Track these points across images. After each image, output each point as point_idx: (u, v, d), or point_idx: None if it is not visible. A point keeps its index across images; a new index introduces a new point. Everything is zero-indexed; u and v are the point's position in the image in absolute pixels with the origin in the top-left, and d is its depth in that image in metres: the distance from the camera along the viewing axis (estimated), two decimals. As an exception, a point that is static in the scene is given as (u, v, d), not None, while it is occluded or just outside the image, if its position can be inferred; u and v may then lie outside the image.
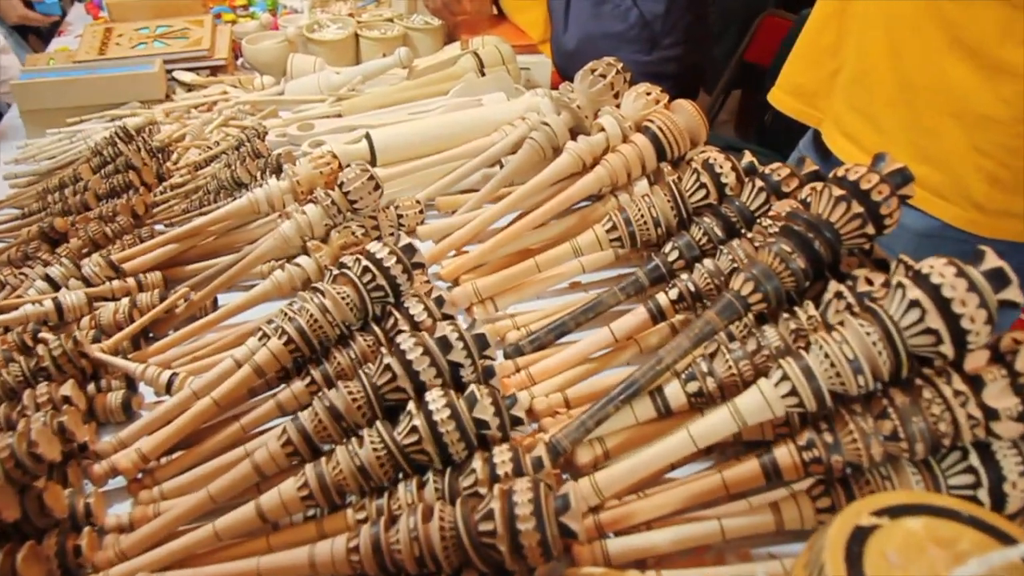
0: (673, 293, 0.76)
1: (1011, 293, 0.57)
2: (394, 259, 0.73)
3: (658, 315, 0.76)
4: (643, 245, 0.87)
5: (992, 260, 0.57)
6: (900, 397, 0.57)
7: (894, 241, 0.94)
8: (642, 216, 0.85)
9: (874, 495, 0.49)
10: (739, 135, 2.75)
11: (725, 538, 0.59)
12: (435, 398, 0.60)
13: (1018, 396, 0.55)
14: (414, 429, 0.59)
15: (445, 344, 0.64)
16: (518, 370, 0.78)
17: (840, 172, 0.69)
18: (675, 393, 0.65)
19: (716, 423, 0.60)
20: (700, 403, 0.66)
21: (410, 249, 0.75)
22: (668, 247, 0.81)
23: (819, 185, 0.70)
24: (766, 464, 0.60)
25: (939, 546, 0.46)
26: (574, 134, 1.01)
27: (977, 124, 0.86)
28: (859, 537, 0.46)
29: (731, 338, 0.69)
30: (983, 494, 0.57)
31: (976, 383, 0.56)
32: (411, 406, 0.61)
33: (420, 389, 0.63)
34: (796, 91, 1.07)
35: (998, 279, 0.56)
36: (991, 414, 0.55)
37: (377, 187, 0.90)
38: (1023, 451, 0.57)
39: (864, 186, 0.67)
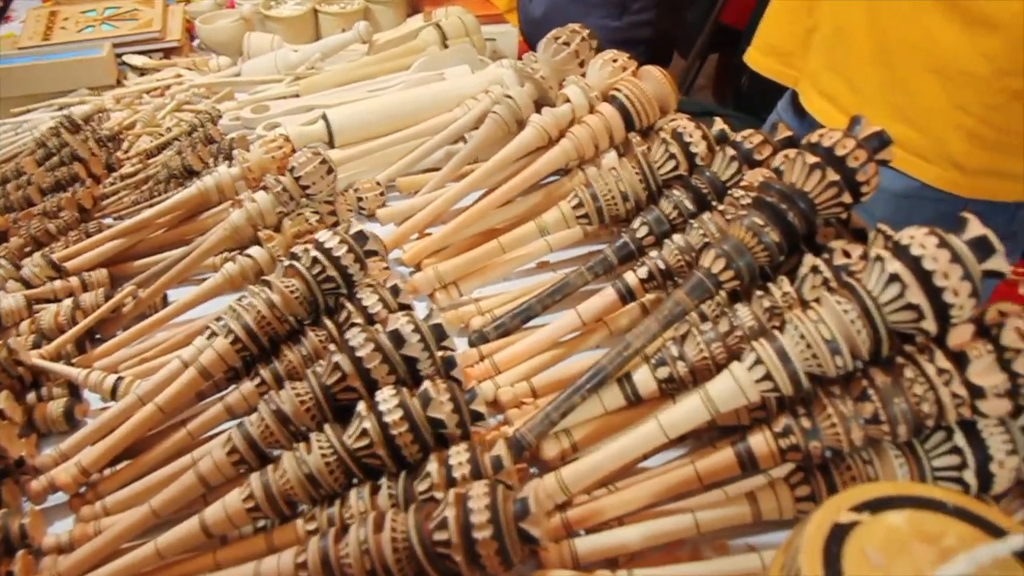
0: (642, 271, 0.72)
1: (996, 263, 0.53)
2: (345, 248, 0.69)
3: (627, 295, 0.72)
4: (612, 221, 0.83)
5: (976, 228, 0.53)
6: (881, 377, 0.54)
7: (872, 204, 0.90)
8: (609, 191, 0.81)
9: (854, 488, 0.45)
10: (717, 100, 2.70)
11: (700, 531, 0.56)
12: (386, 398, 0.56)
13: (1005, 372, 0.52)
14: (364, 432, 0.55)
15: (398, 338, 0.60)
16: (482, 359, 0.74)
17: (814, 138, 0.65)
18: (644, 380, 0.62)
19: (687, 411, 0.56)
20: (671, 389, 0.62)
21: (362, 236, 0.71)
22: (637, 222, 0.77)
23: (792, 152, 0.66)
24: (741, 453, 0.56)
25: (924, 542, 0.42)
26: (539, 106, 0.96)
27: (957, 81, 0.82)
28: (838, 536, 0.43)
29: (704, 318, 0.66)
30: (969, 475, 0.54)
31: (960, 360, 0.52)
32: (361, 407, 0.57)
33: (372, 387, 0.59)
34: (772, 51, 1.03)
35: (982, 248, 0.53)
36: (976, 392, 0.52)
37: (330, 171, 0.86)
38: (1010, 429, 0.54)
39: (839, 152, 0.63)
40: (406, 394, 0.57)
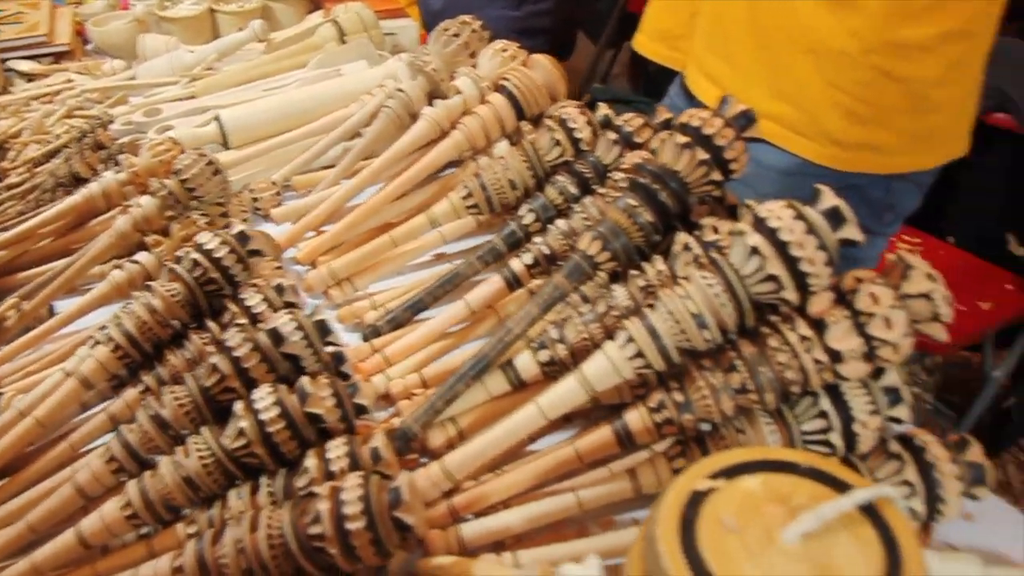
0: (527, 258, 0.73)
1: (849, 231, 0.55)
2: (227, 249, 0.68)
3: (514, 282, 0.73)
4: (504, 210, 0.84)
5: (829, 199, 0.55)
6: (748, 348, 0.55)
7: (758, 182, 0.93)
8: (497, 179, 0.81)
9: (713, 456, 0.47)
10: (632, 87, 2.73)
11: (583, 509, 0.57)
12: (262, 396, 0.56)
13: (862, 336, 0.54)
14: (242, 432, 0.55)
15: (277, 336, 0.60)
16: (375, 352, 0.74)
17: (684, 119, 0.66)
18: (526, 364, 0.62)
19: (564, 392, 0.57)
20: (554, 371, 0.63)
21: (244, 237, 0.70)
22: (523, 210, 0.78)
23: (665, 134, 0.68)
24: (618, 430, 0.57)
25: (776, 503, 0.44)
26: (433, 99, 0.96)
27: (829, 59, 0.85)
28: (694, 503, 0.44)
29: (586, 300, 0.66)
30: (835, 437, 0.56)
31: (820, 327, 0.54)
32: (237, 407, 0.56)
33: (253, 387, 0.59)
34: (659, 35, 1.05)
35: (836, 218, 0.55)
36: (836, 356, 0.54)
37: (217, 172, 0.84)
38: (872, 390, 0.56)
39: (707, 131, 0.64)
40: (284, 391, 0.56)
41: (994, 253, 1.55)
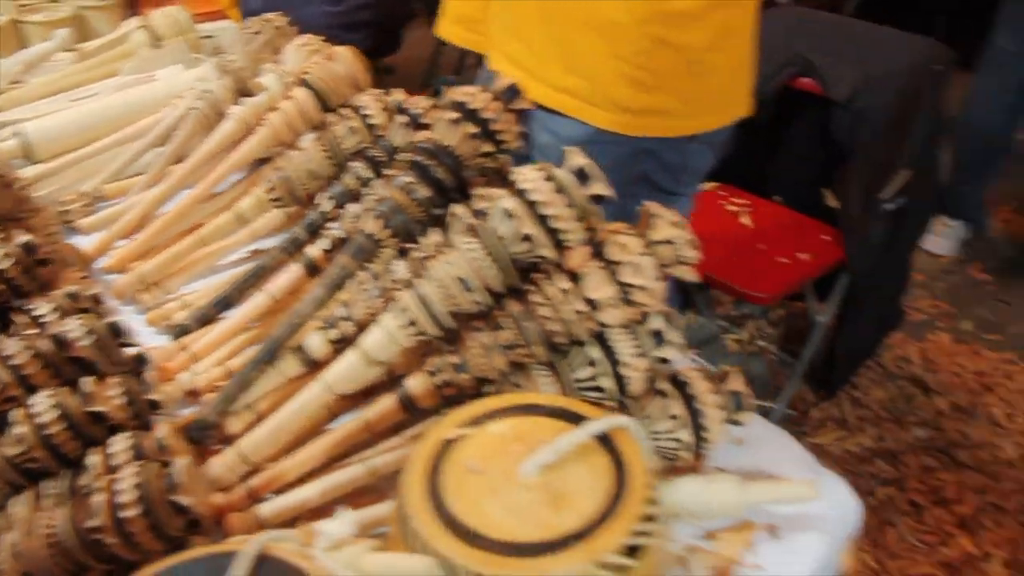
0: (324, 243, 0.75)
1: (598, 188, 0.59)
2: (10, 261, 0.67)
3: (313, 268, 0.74)
4: (309, 200, 0.85)
5: (576, 159, 0.59)
6: (514, 306, 0.59)
7: (558, 154, 0.97)
8: (298, 171, 0.83)
9: (465, 407, 0.50)
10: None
11: (378, 476, 0.59)
12: (40, 400, 0.56)
13: (615, 284, 0.58)
14: (20, 438, 0.55)
15: (61, 341, 0.60)
16: (183, 350, 0.74)
17: (456, 96, 0.69)
18: (316, 344, 0.64)
19: (347, 366, 0.59)
20: (345, 349, 0.65)
21: (29, 248, 0.69)
22: (323, 197, 0.79)
23: (438, 112, 0.70)
24: (402, 396, 0.60)
25: (520, 442, 0.47)
26: (241, 98, 0.96)
27: (610, 31, 0.90)
28: (443, 451, 0.47)
29: (376, 278, 0.69)
30: (607, 381, 0.60)
31: (577, 279, 0.58)
32: (14, 415, 0.56)
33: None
34: (459, 19, 1.08)
35: (583, 176, 0.59)
36: (594, 305, 0.58)
37: (7, 186, 0.82)
38: (639, 334, 0.60)
39: (473, 106, 0.68)
40: (64, 393, 0.57)
41: (814, 208, 1.66)
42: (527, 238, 0.57)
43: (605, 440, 0.47)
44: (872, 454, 1.67)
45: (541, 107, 0.96)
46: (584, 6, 0.90)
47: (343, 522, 0.45)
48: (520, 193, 0.57)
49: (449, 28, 1.09)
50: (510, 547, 0.40)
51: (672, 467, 0.62)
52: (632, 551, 0.42)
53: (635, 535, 0.42)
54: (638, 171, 1.00)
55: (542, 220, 0.57)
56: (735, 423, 0.63)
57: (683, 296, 1.84)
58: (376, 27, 1.48)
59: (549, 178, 0.58)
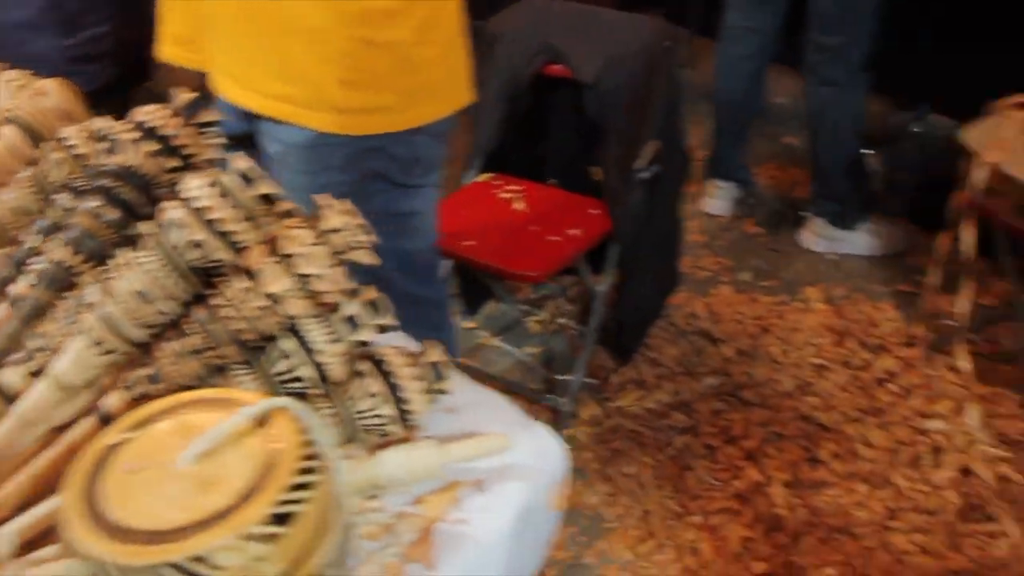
0: (29, 278, 0.74)
1: (264, 187, 0.62)
2: None
3: (18, 305, 0.73)
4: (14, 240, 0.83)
5: (240, 163, 0.62)
6: (200, 311, 0.61)
7: (288, 160, 0.99)
8: (3, 211, 0.81)
9: (129, 413, 0.51)
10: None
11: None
12: None
13: (292, 276, 0.61)
14: None
15: None
16: None
17: (136, 116, 0.70)
18: (12, 379, 0.63)
19: (38, 394, 0.60)
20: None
21: None
22: (28, 233, 0.78)
23: (121, 134, 0.71)
24: (101, 415, 0.60)
25: (182, 437, 0.49)
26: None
27: (315, 37, 0.93)
28: (104, 456, 0.49)
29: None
30: (306, 370, 0.62)
31: (254, 276, 0.60)
32: None
33: None
34: (177, 41, 1.08)
35: (247, 178, 0.61)
36: (275, 299, 0.60)
37: None
38: (332, 322, 0.63)
39: (151, 124, 0.69)
40: None
41: (586, 186, 1.76)
42: (198, 244, 0.59)
43: (268, 424, 0.50)
44: (669, 408, 1.79)
45: (265, 118, 0.98)
46: (291, 16, 0.93)
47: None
48: (186, 202, 0.59)
49: (170, 50, 1.09)
50: (155, 535, 0.42)
51: (386, 442, 0.66)
52: (284, 520, 0.45)
53: (282, 504, 0.45)
54: (369, 168, 1.04)
55: (210, 225, 0.59)
56: (440, 392, 0.67)
57: (481, 287, 1.91)
58: (117, 56, 1.44)
59: (213, 184, 0.60)
